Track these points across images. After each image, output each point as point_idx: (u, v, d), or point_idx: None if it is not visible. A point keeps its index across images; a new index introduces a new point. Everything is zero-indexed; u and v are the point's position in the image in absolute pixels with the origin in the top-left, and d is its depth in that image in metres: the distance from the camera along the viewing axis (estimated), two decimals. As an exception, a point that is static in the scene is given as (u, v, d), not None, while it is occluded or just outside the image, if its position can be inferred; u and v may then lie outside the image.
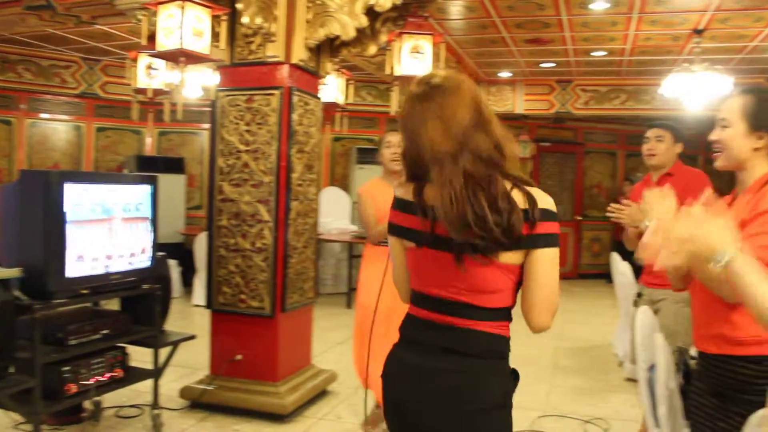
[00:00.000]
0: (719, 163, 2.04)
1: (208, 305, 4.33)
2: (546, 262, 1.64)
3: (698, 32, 6.80)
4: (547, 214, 1.62)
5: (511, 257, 1.63)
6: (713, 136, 2.03)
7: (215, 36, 3.91)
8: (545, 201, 1.64)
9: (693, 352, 2.59)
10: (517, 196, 1.62)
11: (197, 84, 6.48)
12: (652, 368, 2.66)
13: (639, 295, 3.66)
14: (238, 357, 4.18)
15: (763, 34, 6.88)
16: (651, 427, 2.72)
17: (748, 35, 6.96)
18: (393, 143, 3.88)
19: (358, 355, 4.01)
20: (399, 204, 1.79)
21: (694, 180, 3.41)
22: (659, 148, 3.56)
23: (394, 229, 1.80)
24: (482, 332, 1.69)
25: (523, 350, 5.55)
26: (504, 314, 1.71)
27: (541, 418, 4.26)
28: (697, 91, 6.89)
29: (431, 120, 1.65)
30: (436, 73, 1.76)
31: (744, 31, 6.81)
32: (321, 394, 4.57)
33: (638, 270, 3.96)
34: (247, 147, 4.18)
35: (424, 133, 1.66)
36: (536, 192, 1.63)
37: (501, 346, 1.73)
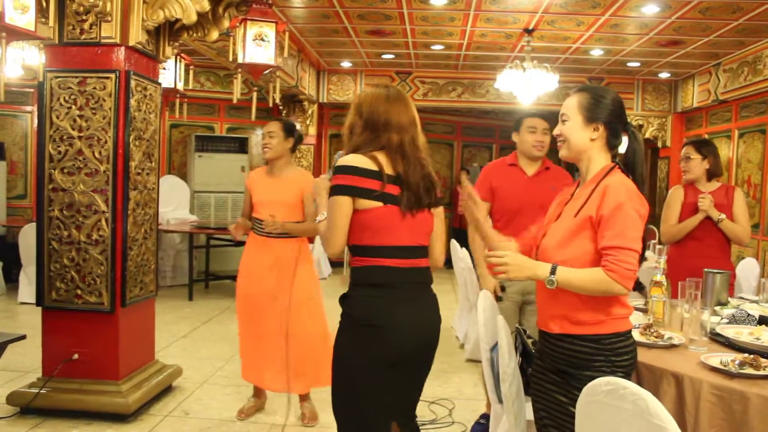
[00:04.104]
0: (562, 152, 2.27)
1: (39, 302, 4.02)
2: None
3: (529, 32, 7.26)
4: None
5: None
6: (556, 131, 2.28)
7: (42, 11, 3.62)
8: None
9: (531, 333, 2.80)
10: None
11: (19, 62, 5.96)
12: (494, 348, 2.84)
13: (503, 288, 3.63)
14: (75, 356, 3.93)
15: (584, 37, 7.49)
16: (494, 402, 2.91)
17: (571, 37, 7.55)
18: (267, 133, 3.96)
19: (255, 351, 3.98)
20: (354, 170, 2.22)
21: (561, 176, 3.71)
22: (547, 140, 3.67)
23: (349, 190, 2.22)
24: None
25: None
26: None
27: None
28: (527, 86, 7.36)
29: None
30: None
31: (568, 33, 7.38)
32: (166, 390, 4.42)
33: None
34: (80, 133, 3.93)
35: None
36: None
37: None
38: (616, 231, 2.02)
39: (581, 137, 2.20)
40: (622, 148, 2.26)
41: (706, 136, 9.16)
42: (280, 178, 3.97)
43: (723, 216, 3.89)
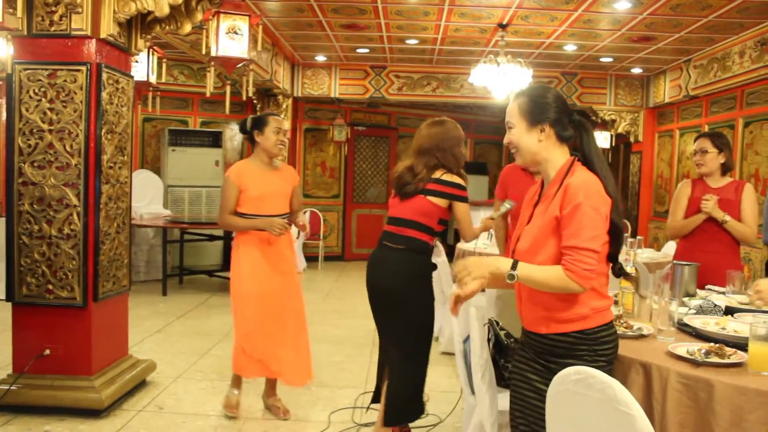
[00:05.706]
0: (518, 161, 2.28)
1: (9, 298, 3.96)
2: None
3: (503, 26, 7.29)
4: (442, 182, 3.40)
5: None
6: (506, 140, 2.27)
7: (10, 2, 3.57)
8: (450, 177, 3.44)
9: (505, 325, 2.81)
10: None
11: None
12: (466, 340, 2.86)
13: None
14: (47, 352, 3.89)
15: (557, 32, 7.55)
16: (467, 395, 2.94)
17: (545, 32, 7.61)
18: (283, 130, 4.00)
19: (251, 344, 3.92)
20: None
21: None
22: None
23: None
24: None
25: (338, 332, 5.72)
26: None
27: (363, 394, 4.38)
28: (501, 81, 7.39)
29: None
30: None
31: (542, 28, 7.43)
32: (140, 385, 4.39)
33: (452, 250, 4.21)
34: (51, 126, 3.87)
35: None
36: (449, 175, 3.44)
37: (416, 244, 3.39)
38: (571, 231, 2.04)
39: (529, 142, 2.20)
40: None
41: (677, 131, 9.30)
42: (278, 171, 4.05)
43: (728, 218, 3.82)
